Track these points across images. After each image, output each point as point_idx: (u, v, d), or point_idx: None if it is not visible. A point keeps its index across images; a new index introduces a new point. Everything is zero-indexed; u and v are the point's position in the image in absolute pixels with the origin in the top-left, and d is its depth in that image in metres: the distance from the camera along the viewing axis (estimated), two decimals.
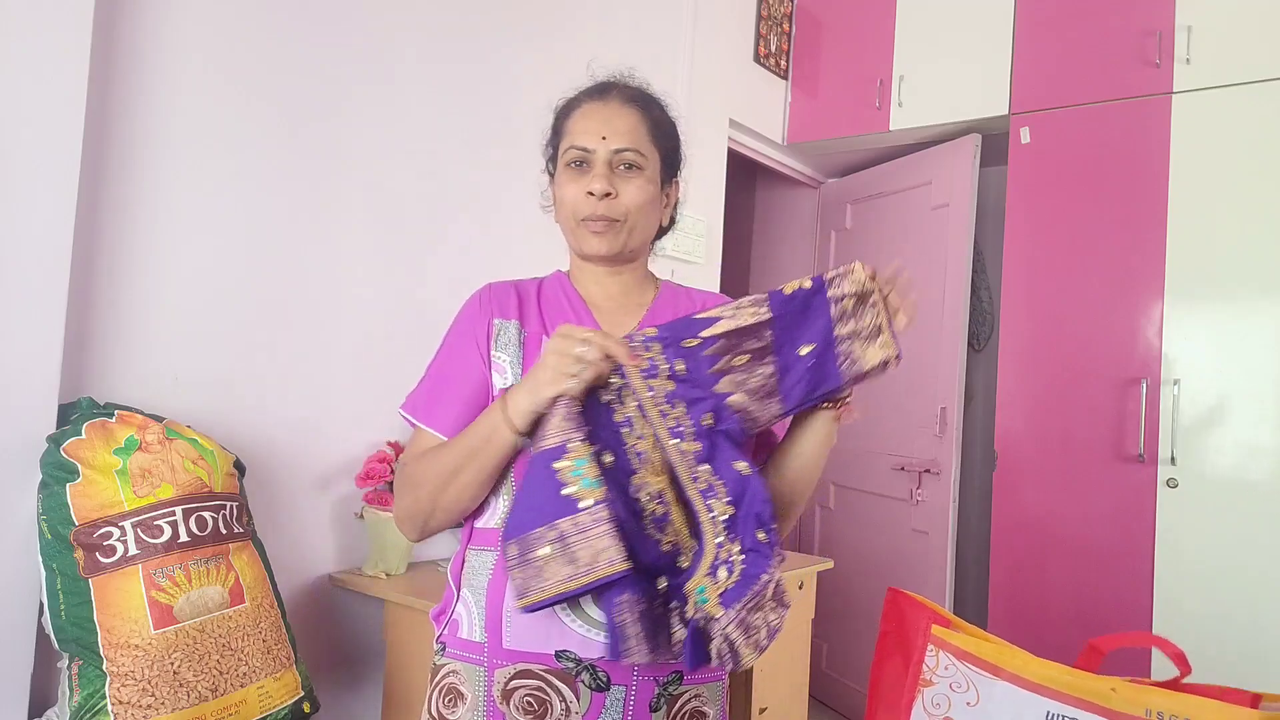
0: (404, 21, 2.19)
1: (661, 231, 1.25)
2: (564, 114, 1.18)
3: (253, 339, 1.89)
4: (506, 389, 1.08)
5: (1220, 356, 2.62)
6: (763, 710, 2.53)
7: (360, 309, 2.09)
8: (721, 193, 3.32)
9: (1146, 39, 2.81)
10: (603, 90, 1.18)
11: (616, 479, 0.96)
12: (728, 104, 3.30)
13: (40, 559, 1.46)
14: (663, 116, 1.20)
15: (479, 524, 1.12)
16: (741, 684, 2.51)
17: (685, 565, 0.97)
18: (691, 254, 3.09)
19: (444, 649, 1.11)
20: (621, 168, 1.13)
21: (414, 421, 1.14)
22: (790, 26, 3.62)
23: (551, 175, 1.21)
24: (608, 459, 0.97)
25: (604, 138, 1.12)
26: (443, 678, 1.10)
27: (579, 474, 0.93)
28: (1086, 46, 2.93)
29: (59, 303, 1.53)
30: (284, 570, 1.73)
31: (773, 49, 3.53)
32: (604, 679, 1.01)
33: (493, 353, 1.14)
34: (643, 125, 1.15)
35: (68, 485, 1.45)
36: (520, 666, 1.03)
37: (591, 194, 1.11)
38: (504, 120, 2.40)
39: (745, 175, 4.13)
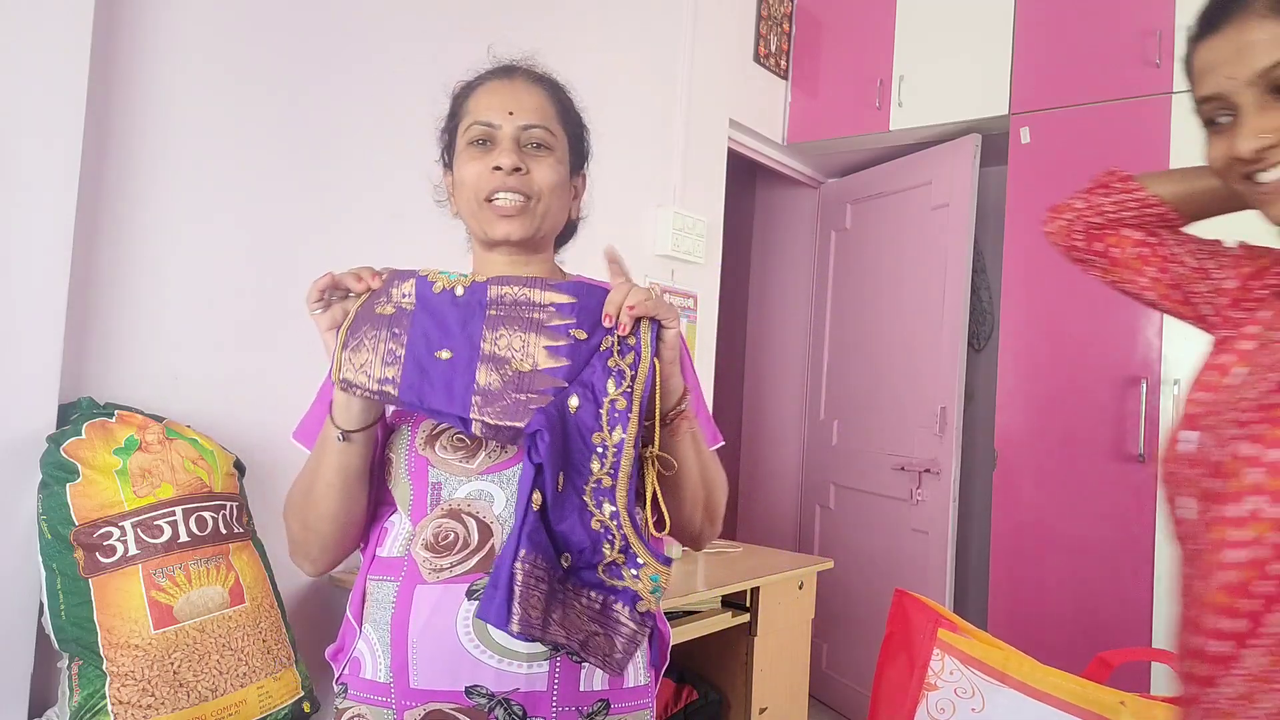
0: (406, 25, 2.19)
1: (570, 228, 1.18)
2: (463, 94, 1.11)
3: (253, 339, 1.89)
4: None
5: None
6: (763, 710, 2.52)
7: None
8: (721, 193, 3.32)
9: (1146, 39, 2.81)
10: (507, 70, 1.11)
11: (565, 425, 0.90)
12: (728, 104, 3.30)
13: (40, 559, 1.46)
14: (570, 102, 1.14)
15: (381, 552, 1.04)
16: (741, 684, 2.51)
17: (609, 557, 0.91)
18: (691, 254, 3.09)
19: (346, 691, 1.03)
20: (530, 146, 1.06)
21: (305, 448, 1.09)
22: (790, 26, 3.62)
23: (447, 164, 1.14)
24: (573, 402, 0.91)
25: (511, 113, 1.05)
26: None
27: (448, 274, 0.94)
28: (1086, 46, 2.93)
29: (59, 303, 1.53)
30: (284, 570, 1.73)
31: (773, 49, 3.53)
32: (519, 712, 0.94)
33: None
34: (551, 105, 1.09)
35: (68, 485, 1.45)
36: (430, 707, 0.95)
37: (499, 169, 1.03)
38: None
39: (745, 175, 4.13)
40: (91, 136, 1.60)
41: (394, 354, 0.94)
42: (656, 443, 0.95)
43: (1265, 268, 0.93)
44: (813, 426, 3.87)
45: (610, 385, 0.91)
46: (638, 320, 0.93)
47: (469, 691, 0.94)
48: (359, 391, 0.94)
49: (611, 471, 0.91)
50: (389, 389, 0.93)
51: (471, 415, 0.92)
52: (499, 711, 0.94)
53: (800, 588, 2.63)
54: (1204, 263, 0.99)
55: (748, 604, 2.46)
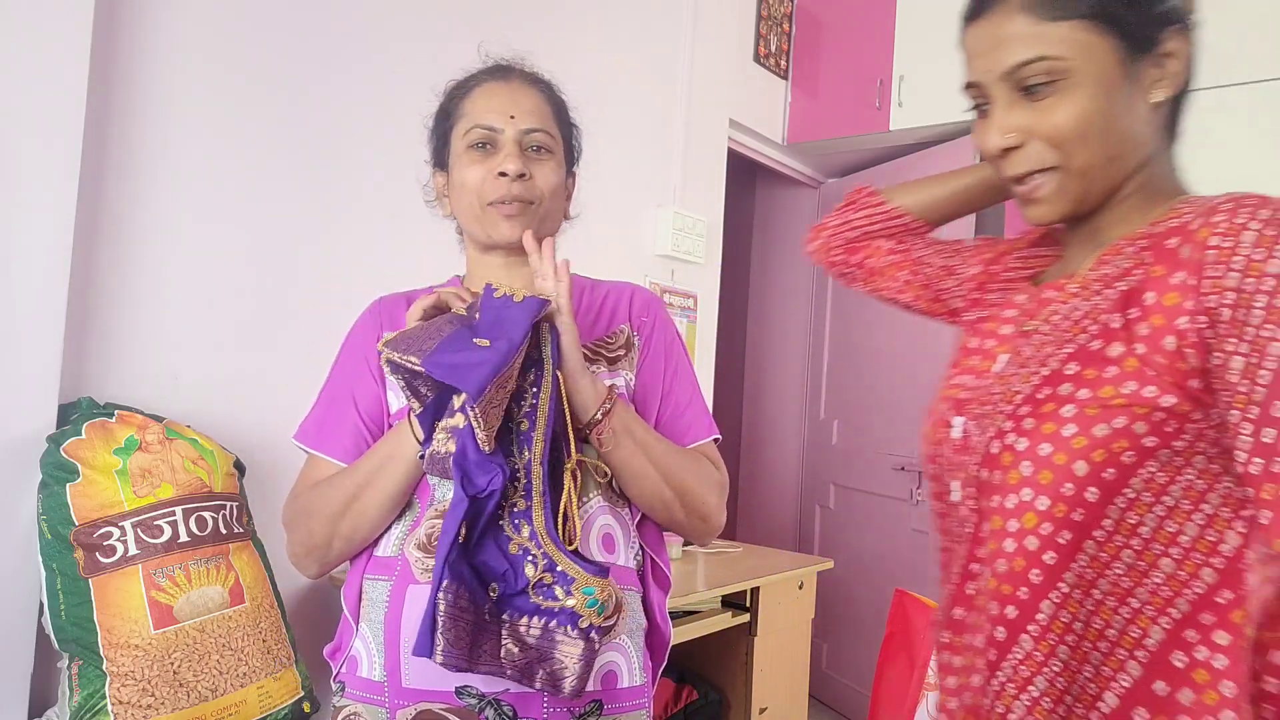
0: (405, 26, 2.19)
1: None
2: (458, 95, 1.10)
3: (253, 339, 1.89)
4: (405, 409, 1.01)
5: None
6: (763, 710, 2.52)
7: (361, 308, 2.09)
8: (721, 193, 3.32)
9: None
10: (503, 71, 1.11)
11: (511, 448, 0.91)
12: (728, 104, 3.30)
13: (40, 559, 1.46)
14: (564, 102, 1.13)
15: (378, 551, 1.04)
16: (741, 684, 2.51)
17: (534, 578, 0.89)
18: (691, 254, 3.09)
19: (343, 689, 1.03)
20: (531, 149, 1.05)
21: (307, 449, 1.08)
22: (790, 26, 3.62)
23: (438, 165, 1.13)
24: (524, 425, 0.91)
25: (512, 116, 1.04)
26: None
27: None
28: None
29: (59, 303, 1.53)
30: (284, 570, 1.73)
31: (773, 49, 3.53)
32: (509, 713, 0.94)
33: (386, 371, 1.04)
34: (548, 106, 1.09)
35: (68, 485, 1.45)
36: (421, 707, 0.96)
37: (504, 174, 1.02)
38: None
39: (745, 175, 4.13)
40: (91, 136, 1.60)
41: (440, 331, 0.93)
42: (572, 455, 0.94)
43: (1004, 252, 0.98)
44: (813, 426, 3.87)
45: (513, 408, 0.91)
46: (537, 329, 0.92)
47: (459, 692, 0.95)
48: (392, 363, 0.91)
49: (525, 494, 0.90)
50: (413, 359, 0.90)
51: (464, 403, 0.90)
52: (489, 712, 0.94)
53: (800, 588, 2.63)
54: (949, 260, 1.04)
55: (748, 604, 2.46)
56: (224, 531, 1.56)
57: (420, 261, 2.22)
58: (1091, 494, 0.73)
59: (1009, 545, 0.77)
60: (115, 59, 1.66)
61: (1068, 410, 0.74)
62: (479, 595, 0.88)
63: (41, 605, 1.47)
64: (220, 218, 1.84)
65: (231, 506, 1.61)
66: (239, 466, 1.71)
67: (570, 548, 0.91)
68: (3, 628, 1.48)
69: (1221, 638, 0.72)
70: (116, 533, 1.44)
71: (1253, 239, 0.67)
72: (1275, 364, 0.66)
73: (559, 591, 0.89)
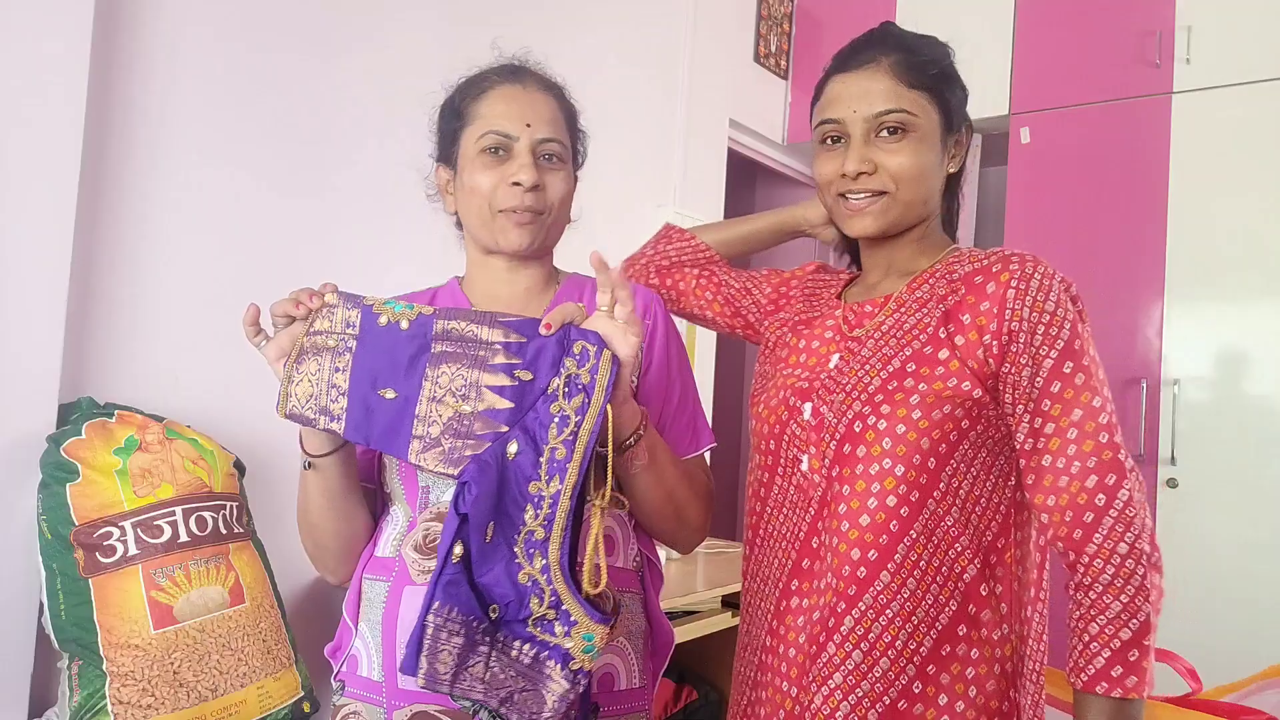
0: (406, 26, 2.19)
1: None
2: (471, 95, 1.09)
3: None
4: None
5: (1220, 356, 2.62)
6: None
7: None
8: (721, 193, 3.32)
9: (1146, 39, 2.81)
10: (517, 74, 1.10)
11: (503, 471, 0.86)
12: (728, 104, 3.30)
13: (40, 559, 1.46)
14: (573, 108, 1.15)
15: (378, 551, 1.05)
16: None
17: (538, 612, 0.86)
18: None
19: (343, 688, 1.04)
20: (544, 158, 1.05)
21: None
22: (790, 26, 3.62)
23: (443, 160, 1.12)
24: (512, 449, 0.87)
25: (528, 125, 1.04)
26: (343, 719, 1.03)
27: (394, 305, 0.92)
28: (1086, 46, 2.93)
29: (59, 303, 1.53)
30: (284, 570, 1.73)
31: (773, 49, 3.53)
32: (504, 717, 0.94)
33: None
34: (561, 115, 1.10)
35: (68, 485, 1.45)
36: (416, 708, 0.97)
37: (518, 184, 1.02)
38: None
39: (745, 175, 4.13)
40: (91, 136, 1.60)
41: (339, 389, 0.94)
42: (606, 494, 0.90)
43: (789, 279, 1.26)
44: None
45: (552, 431, 0.87)
46: (587, 352, 0.88)
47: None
48: (306, 425, 0.96)
49: (545, 524, 0.86)
50: (335, 426, 0.93)
51: (411, 460, 0.90)
52: (484, 715, 0.92)
53: None
54: (745, 284, 1.30)
55: None
56: (224, 531, 1.56)
57: (421, 261, 2.22)
58: (931, 463, 0.98)
59: (871, 503, 0.98)
60: (115, 59, 1.66)
61: (914, 399, 0.98)
62: (475, 616, 0.85)
63: (41, 605, 1.47)
64: (221, 217, 1.84)
65: (231, 506, 1.61)
66: (239, 466, 1.71)
67: (592, 593, 0.87)
68: (3, 628, 1.48)
69: (1001, 571, 1.02)
70: (116, 533, 1.44)
71: (1037, 284, 0.97)
72: (1045, 373, 0.96)
73: (558, 629, 0.86)
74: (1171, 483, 2.65)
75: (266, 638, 1.56)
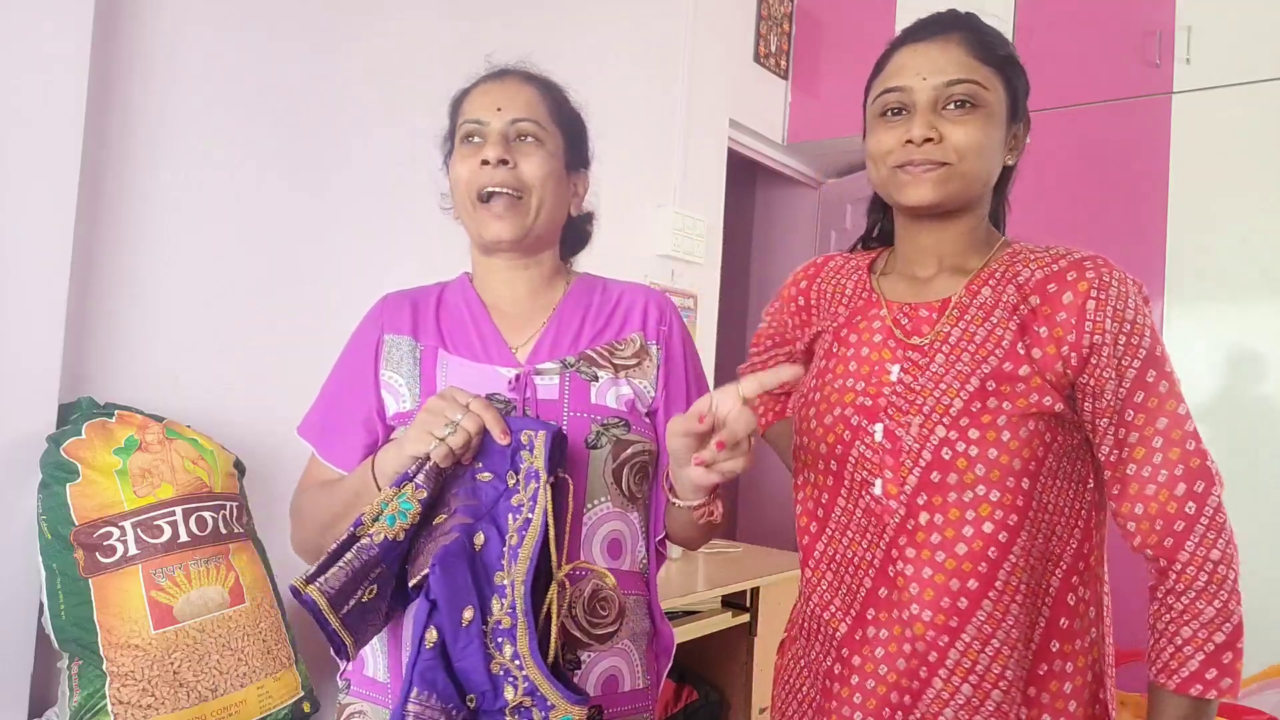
0: (406, 25, 2.19)
1: (579, 235, 1.18)
2: (459, 99, 1.12)
3: (253, 339, 1.89)
4: (402, 413, 1.03)
5: (1220, 356, 2.62)
6: (762, 710, 2.52)
7: (361, 308, 2.09)
8: (721, 193, 3.32)
9: (1146, 39, 2.81)
10: (500, 73, 1.11)
11: (471, 562, 0.89)
12: (728, 104, 3.30)
13: (40, 559, 1.46)
14: (565, 100, 1.13)
15: None
16: (741, 684, 2.51)
17: (514, 701, 0.88)
18: (691, 254, 3.09)
19: (349, 686, 1.05)
20: (519, 139, 1.04)
21: (312, 446, 1.10)
22: (790, 26, 3.62)
23: (447, 168, 1.13)
24: (479, 540, 0.90)
25: (499, 109, 1.04)
26: (347, 718, 1.04)
27: (387, 509, 0.89)
28: (1086, 46, 2.93)
29: (59, 303, 1.53)
30: (284, 570, 1.73)
31: (773, 49, 3.53)
32: None
33: (383, 372, 1.06)
34: (542, 102, 1.08)
35: (68, 485, 1.45)
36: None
37: (486, 163, 1.02)
38: None
39: (745, 175, 4.13)
40: (91, 136, 1.60)
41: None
42: (562, 566, 0.92)
43: (805, 290, 1.21)
44: None
45: (509, 522, 0.90)
46: (532, 440, 0.92)
47: None
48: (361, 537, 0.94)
49: (510, 611, 0.88)
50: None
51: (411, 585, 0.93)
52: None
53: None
54: (778, 346, 1.26)
55: (748, 604, 2.46)
56: (224, 531, 1.56)
57: (421, 260, 2.22)
58: (1025, 484, 0.95)
59: (967, 531, 0.95)
60: (115, 59, 1.66)
61: (1001, 420, 0.95)
62: (453, 705, 0.86)
63: (41, 605, 1.47)
64: (221, 217, 1.84)
65: (231, 506, 1.61)
66: (239, 466, 1.71)
67: (549, 662, 0.89)
68: (3, 628, 1.48)
69: (1088, 576, 1.01)
70: (116, 533, 1.44)
71: (1116, 293, 0.97)
72: (1128, 383, 0.95)
73: (536, 716, 0.87)
74: None
75: (266, 638, 1.56)
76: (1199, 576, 0.94)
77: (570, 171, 1.11)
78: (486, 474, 0.92)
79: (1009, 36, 3.07)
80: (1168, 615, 0.96)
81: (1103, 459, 0.98)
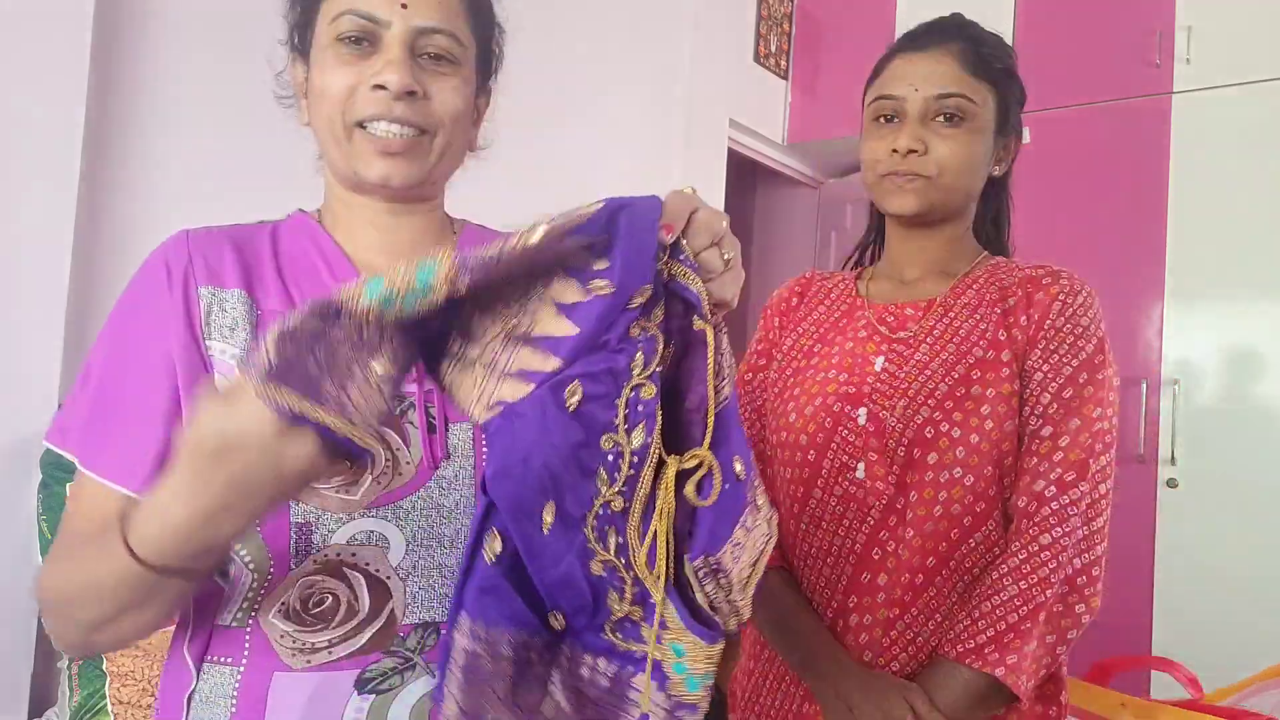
0: None
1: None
2: None
3: None
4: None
5: (1220, 356, 2.62)
6: None
7: None
8: (721, 193, 3.32)
9: (1146, 39, 2.81)
10: None
11: (561, 424, 0.57)
12: (728, 104, 3.30)
13: (40, 559, 1.46)
14: None
15: (218, 618, 0.69)
16: None
17: (618, 611, 0.60)
18: None
19: None
20: (427, 57, 0.74)
21: (75, 462, 0.69)
22: (790, 26, 3.62)
23: (300, 53, 0.83)
24: (573, 394, 0.57)
25: (404, 5, 0.72)
26: None
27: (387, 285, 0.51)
28: (1086, 46, 2.93)
29: (59, 303, 1.53)
30: None
31: (773, 49, 3.53)
32: None
33: (207, 342, 0.70)
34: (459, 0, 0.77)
35: (68, 485, 1.45)
36: None
37: (382, 88, 0.71)
38: (502, 115, 2.40)
39: (745, 175, 4.13)
40: (91, 136, 1.60)
41: None
42: (707, 444, 0.60)
43: (786, 298, 1.22)
44: None
45: (636, 363, 0.58)
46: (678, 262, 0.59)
47: None
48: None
49: (625, 489, 0.59)
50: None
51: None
52: None
53: None
54: (765, 364, 1.21)
55: None
56: None
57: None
58: (995, 473, 0.97)
59: (937, 510, 0.97)
60: (115, 59, 1.66)
61: (985, 409, 0.97)
62: (531, 629, 0.60)
63: None
64: (221, 217, 1.83)
65: None
66: None
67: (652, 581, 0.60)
68: (3, 628, 1.48)
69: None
70: None
71: (1080, 301, 1.01)
72: (1061, 378, 0.98)
73: (645, 632, 0.60)
74: (1171, 483, 2.65)
75: None
76: (1019, 554, 0.94)
77: (477, 93, 0.82)
78: (607, 283, 0.56)
79: (1009, 37, 3.07)
80: (977, 588, 0.96)
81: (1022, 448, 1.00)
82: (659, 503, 0.60)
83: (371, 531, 0.68)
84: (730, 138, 3.35)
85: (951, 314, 1.04)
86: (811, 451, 1.05)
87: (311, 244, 0.81)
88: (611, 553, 0.60)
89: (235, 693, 0.67)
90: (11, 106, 1.47)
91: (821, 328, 1.14)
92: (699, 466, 0.60)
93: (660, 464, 0.60)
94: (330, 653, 0.66)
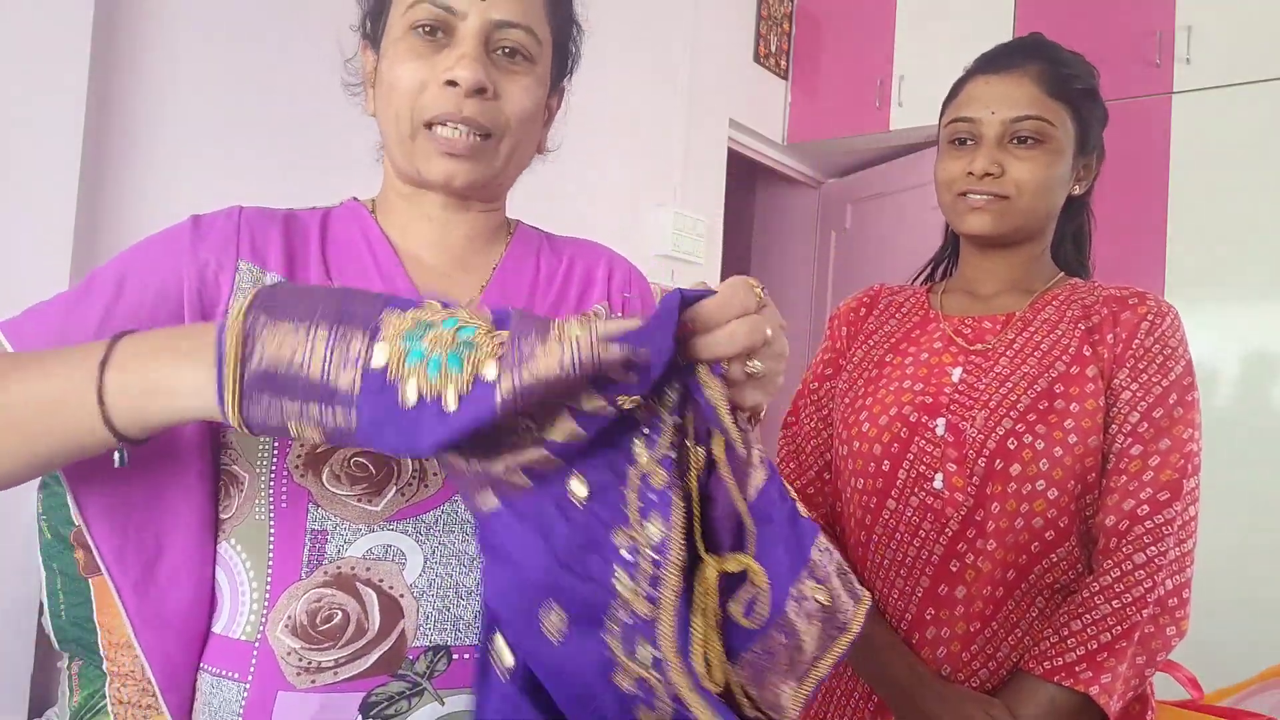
0: None
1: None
2: None
3: None
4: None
5: (1221, 356, 2.62)
6: None
7: None
8: (721, 193, 3.32)
9: (1146, 39, 2.81)
10: None
11: (567, 522, 0.53)
12: (728, 104, 3.30)
13: (40, 559, 1.46)
14: None
15: (219, 627, 0.71)
16: None
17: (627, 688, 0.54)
18: (691, 254, 3.09)
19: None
20: (502, 53, 0.71)
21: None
22: (790, 26, 3.62)
23: (371, 41, 0.82)
24: (577, 486, 0.53)
25: None
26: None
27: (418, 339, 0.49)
28: (1086, 46, 2.92)
29: None
30: None
31: (773, 49, 3.53)
32: None
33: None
34: None
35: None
36: None
37: (453, 84, 0.68)
38: None
39: (745, 175, 4.13)
40: (91, 135, 1.60)
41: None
42: (746, 555, 0.55)
43: (854, 308, 1.24)
44: None
45: (639, 449, 0.53)
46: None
47: None
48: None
49: (650, 590, 0.52)
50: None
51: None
52: None
53: None
54: (831, 383, 1.21)
55: None
56: None
57: None
58: (1078, 490, 0.96)
59: (1018, 523, 0.96)
60: (115, 58, 1.66)
61: (1068, 423, 0.96)
62: None
63: (41, 605, 1.47)
64: None
65: None
66: None
67: (714, 689, 0.53)
68: (3, 628, 1.48)
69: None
70: None
71: (1167, 324, 1.02)
72: (1151, 397, 0.98)
73: None
74: None
75: None
76: (1112, 571, 0.93)
77: (550, 92, 0.80)
78: (634, 397, 0.51)
79: (1008, 37, 3.07)
80: (1065, 605, 0.96)
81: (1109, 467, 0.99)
82: (697, 603, 0.53)
83: (389, 546, 0.65)
84: (730, 137, 3.35)
85: (1031, 328, 1.03)
86: (886, 461, 1.03)
87: (360, 233, 0.78)
88: (645, 666, 0.52)
89: (241, 711, 0.67)
90: (11, 106, 1.47)
91: (894, 338, 1.13)
92: (744, 576, 0.52)
93: (696, 563, 0.54)
94: (336, 673, 0.64)
